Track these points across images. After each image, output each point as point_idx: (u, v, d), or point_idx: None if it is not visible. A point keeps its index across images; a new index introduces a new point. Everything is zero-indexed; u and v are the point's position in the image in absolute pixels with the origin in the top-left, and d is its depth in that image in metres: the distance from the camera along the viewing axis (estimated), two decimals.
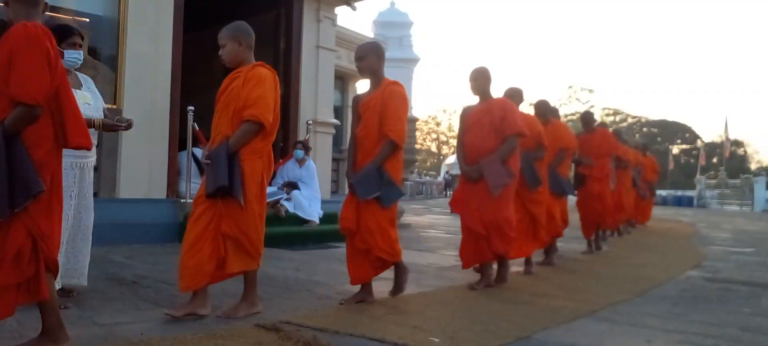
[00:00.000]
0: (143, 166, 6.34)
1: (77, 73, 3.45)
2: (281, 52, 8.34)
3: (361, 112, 3.78)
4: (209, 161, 3.10)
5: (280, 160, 7.92)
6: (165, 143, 6.52)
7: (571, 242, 7.66)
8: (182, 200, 6.53)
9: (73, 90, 2.53)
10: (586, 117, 7.88)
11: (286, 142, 8.18)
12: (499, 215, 4.31)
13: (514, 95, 5.82)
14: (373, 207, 3.59)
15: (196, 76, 9.11)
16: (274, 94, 3.17)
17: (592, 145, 7.13)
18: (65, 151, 2.50)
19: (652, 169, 12.06)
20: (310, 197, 7.40)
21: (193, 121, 6.63)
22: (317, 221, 7.28)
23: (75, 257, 3.34)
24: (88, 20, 6.42)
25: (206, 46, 10.14)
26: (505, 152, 4.35)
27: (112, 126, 3.42)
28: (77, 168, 3.27)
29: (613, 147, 7.49)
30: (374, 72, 3.78)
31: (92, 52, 6.51)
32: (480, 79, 4.53)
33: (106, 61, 6.44)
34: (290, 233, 6.78)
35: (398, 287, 3.86)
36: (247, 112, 3.07)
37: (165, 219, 6.05)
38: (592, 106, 45.16)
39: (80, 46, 3.35)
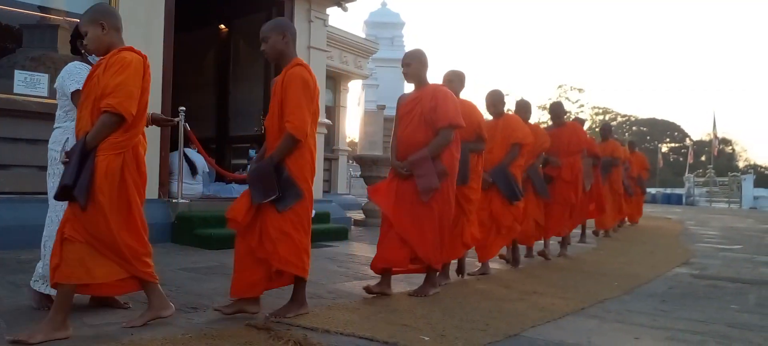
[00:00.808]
0: None
1: None
2: None
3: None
4: (67, 160, 2.77)
5: None
6: (156, 144, 6.50)
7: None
8: (174, 201, 6.53)
9: None
10: (555, 108, 6.98)
11: None
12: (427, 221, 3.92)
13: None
14: (273, 209, 3.13)
15: (188, 77, 9.10)
16: (138, 82, 2.82)
17: (562, 141, 6.43)
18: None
19: (642, 167, 11.99)
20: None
21: (185, 122, 6.63)
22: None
23: None
24: (79, 21, 6.38)
25: (197, 46, 10.21)
26: (436, 147, 3.88)
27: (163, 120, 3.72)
28: None
29: (583, 143, 6.70)
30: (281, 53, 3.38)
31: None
32: (414, 64, 4.07)
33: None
34: None
35: (288, 308, 3.28)
36: (105, 102, 2.72)
37: (157, 219, 6.05)
38: (582, 106, 45.40)
39: None
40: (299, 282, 3.31)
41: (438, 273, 4.21)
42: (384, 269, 4.00)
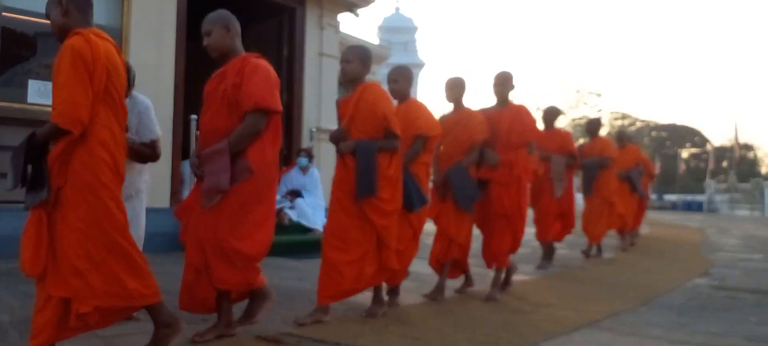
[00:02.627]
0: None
1: None
2: (284, 59, 8.35)
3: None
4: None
5: (284, 168, 7.93)
6: (168, 152, 6.54)
7: (575, 248, 7.64)
8: None
9: None
10: (500, 80, 4.71)
11: (289, 150, 8.18)
12: (219, 234, 2.82)
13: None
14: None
15: (200, 85, 9.13)
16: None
17: (501, 129, 4.56)
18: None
19: (631, 164, 8.96)
20: (314, 205, 7.40)
21: (196, 130, 6.65)
22: (321, 229, 7.26)
23: None
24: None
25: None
26: (238, 138, 2.82)
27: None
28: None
29: (529, 132, 4.64)
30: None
31: None
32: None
33: None
34: (293, 241, 6.78)
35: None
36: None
37: (168, 228, 6.06)
38: (600, 111, 44.97)
39: None
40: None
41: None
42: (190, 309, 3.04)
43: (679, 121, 55.64)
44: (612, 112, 48.34)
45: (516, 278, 5.48)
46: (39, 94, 5.69)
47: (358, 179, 3.42)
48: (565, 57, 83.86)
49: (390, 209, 3.51)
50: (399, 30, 27.78)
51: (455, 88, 4.48)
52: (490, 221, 4.56)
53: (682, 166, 41.71)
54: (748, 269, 6.81)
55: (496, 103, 4.73)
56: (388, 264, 3.58)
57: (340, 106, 3.69)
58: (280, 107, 2.93)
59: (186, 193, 6.71)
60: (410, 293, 4.31)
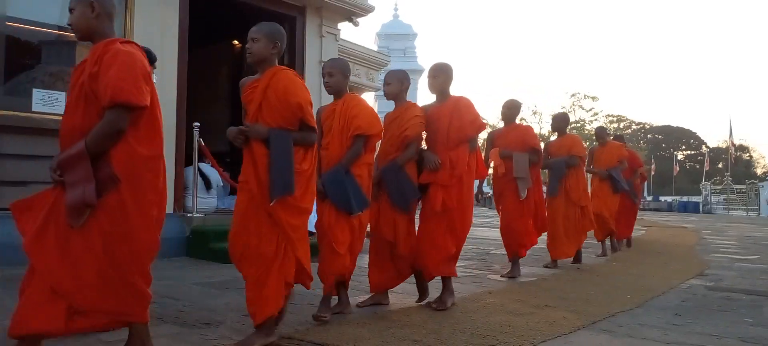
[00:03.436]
0: None
1: None
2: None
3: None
4: None
5: None
6: (171, 159, 6.61)
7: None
8: (189, 215, 6.61)
9: None
10: (436, 72, 4.32)
11: None
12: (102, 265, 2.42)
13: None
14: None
15: (202, 92, 9.22)
16: None
17: (441, 124, 4.15)
18: None
19: (613, 162, 8.13)
20: (314, 209, 7.46)
21: (199, 137, 6.73)
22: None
23: None
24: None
25: (211, 61, 10.34)
26: (96, 138, 2.36)
27: None
28: None
29: (469, 127, 4.16)
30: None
31: None
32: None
33: None
34: None
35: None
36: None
37: (172, 234, 6.13)
38: (596, 114, 45.07)
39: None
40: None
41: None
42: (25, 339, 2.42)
43: (675, 123, 55.78)
44: (607, 116, 48.51)
45: (513, 280, 5.57)
46: (43, 102, 5.76)
47: (272, 174, 2.93)
48: (561, 61, 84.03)
49: (302, 207, 3.09)
50: (398, 37, 27.87)
51: (395, 82, 4.14)
52: (428, 222, 4.11)
53: (677, 168, 41.81)
54: (743, 270, 6.89)
55: (436, 99, 4.34)
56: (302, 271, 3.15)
57: (246, 91, 3.16)
58: (144, 101, 2.41)
59: (189, 199, 6.78)
60: (410, 296, 4.38)
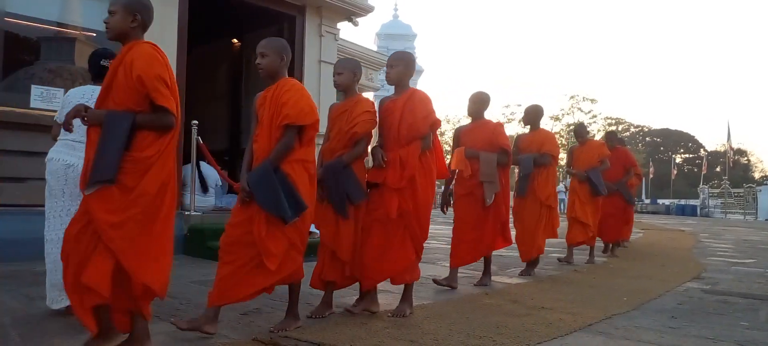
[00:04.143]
0: None
1: None
2: None
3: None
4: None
5: None
6: None
7: (576, 253, 7.70)
8: (187, 213, 6.61)
9: None
10: (395, 61, 3.98)
11: None
12: None
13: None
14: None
15: (200, 90, 9.23)
16: None
17: (392, 120, 3.85)
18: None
19: (593, 162, 7.32)
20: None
21: (198, 135, 6.73)
22: (318, 232, 7.34)
23: None
24: (94, 35, 6.55)
25: (210, 60, 10.34)
26: None
27: None
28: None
29: (422, 123, 3.78)
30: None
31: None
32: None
33: None
34: None
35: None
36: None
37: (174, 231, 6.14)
38: (594, 117, 45.11)
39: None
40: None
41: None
42: None
43: (673, 126, 55.90)
44: (606, 118, 48.58)
45: (509, 281, 5.58)
46: (41, 99, 5.75)
47: (94, 159, 2.56)
48: (560, 62, 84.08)
49: (126, 204, 2.54)
50: (397, 37, 27.93)
51: (346, 72, 3.79)
52: (385, 230, 3.76)
53: (675, 171, 41.90)
54: (740, 274, 6.90)
55: (394, 91, 4.02)
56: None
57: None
58: None
59: (188, 197, 6.77)
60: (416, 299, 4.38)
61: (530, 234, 5.95)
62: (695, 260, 8.35)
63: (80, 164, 3.20)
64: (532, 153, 6.02)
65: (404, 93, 3.89)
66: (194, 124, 6.64)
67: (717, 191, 32.31)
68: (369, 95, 19.43)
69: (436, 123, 3.88)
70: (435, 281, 5.04)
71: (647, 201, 36.39)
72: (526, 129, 6.47)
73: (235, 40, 9.96)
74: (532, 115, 6.26)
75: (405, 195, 3.74)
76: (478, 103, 5.22)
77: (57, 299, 3.34)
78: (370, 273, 3.79)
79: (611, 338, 3.52)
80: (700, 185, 33.62)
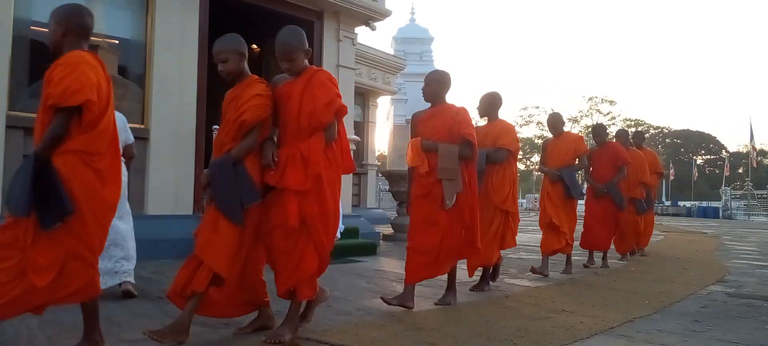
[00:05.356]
0: (170, 184, 6.54)
1: None
2: None
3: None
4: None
5: None
6: (191, 161, 6.72)
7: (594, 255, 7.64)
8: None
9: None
10: (280, 41, 3.30)
11: None
12: None
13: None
14: None
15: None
16: None
17: (291, 107, 3.23)
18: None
19: (568, 159, 6.33)
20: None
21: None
22: (338, 236, 7.36)
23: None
24: (117, 42, 6.67)
25: None
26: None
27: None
28: None
29: (321, 111, 3.18)
30: None
31: (122, 71, 6.79)
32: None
33: (135, 81, 6.68)
34: None
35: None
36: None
37: (191, 235, 6.20)
38: (613, 118, 44.67)
39: None
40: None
41: None
42: None
43: (694, 127, 55.12)
44: (625, 120, 48.11)
45: (529, 284, 5.56)
46: None
47: None
48: (579, 64, 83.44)
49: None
50: (414, 40, 27.84)
51: (233, 56, 3.24)
52: (282, 241, 3.15)
53: (696, 173, 41.35)
54: (765, 277, 6.79)
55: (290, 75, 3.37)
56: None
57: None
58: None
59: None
60: (425, 299, 4.40)
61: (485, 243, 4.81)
62: (718, 262, 8.24)
63: None
64: (486, 147, 5.04)
65: (303, 74, 3.28)
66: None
67: (739, 192, 31.80)
68: (386, 99, 19.30)
69: (342, 109, 3.26)
70: (384, 299, 4.15)
71: (668, 203, 35.96)
72: (483, 121, 5.40)
73: (254, 46, 10.05)
74: (488, 104, 5.29)
75: (309, 199, 3.12)
76: (432, 83, 4.37)
77: None
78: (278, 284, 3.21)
79: (633, 342, 3.49)
80: (722, 187, 33.12)
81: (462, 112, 4.29)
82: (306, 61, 3.35)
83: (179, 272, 3.02)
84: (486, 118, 5.33)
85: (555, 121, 6.58)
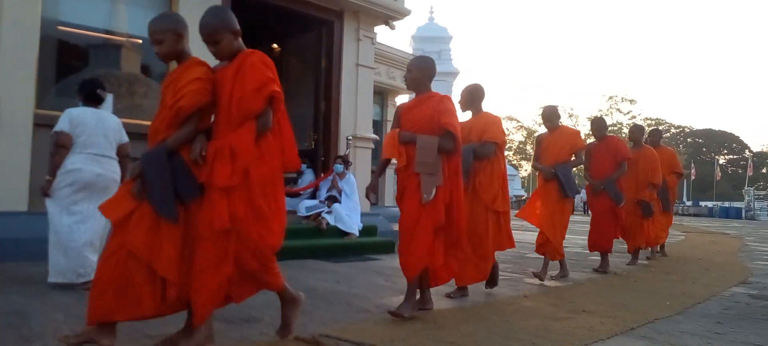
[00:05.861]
0: None
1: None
2: (322, 70, 8.65)
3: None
4: None
5: (322, 175, 8.16)
6: None
7: (613, 255, 7.59)
8: None
9: None
10: (205, 22, 3.00)
11: (327, 157, 8.41)
12: None
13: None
14: None
15: None
16: None
17: (223, 95, 2.93)
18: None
19: (563, 155, 5.93)
20: (350, 209, 7.60)
21: None
22: (357, 234, 7.47)
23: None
24: (140, 42, 6.78)
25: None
26: None
27: None
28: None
29: (251, 98, 2.84)
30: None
31: (145, 70, 6.90)
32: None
33: (158, 80, 6.78)
34: (330, 245, 6.99)
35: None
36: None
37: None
38: (634, 117, 44.19)
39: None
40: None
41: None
42: None
43: (716, 126, 54.32)
44: (646, 119, 47.57)
45: (549, 283, 5.53)
46: None
47: None
48: (599, 63, 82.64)
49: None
50: (433, 39, 27.80)
51: (169, 36, 2.97)
52: (207, 244, 2.74)
53: (719, 173, 40.77)
54: None
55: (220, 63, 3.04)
56: None
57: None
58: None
59: None
60: (443, 298, 4.40)
61: (466, 254, 4.49)
62: (741, 264, 8.13)
63: (105, 174, 4.35)
64: (472, 142, 4.69)
65: (237, 58, 2.93)
66: None
67: (763, 192, 31.30)
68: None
69: (276, 95, 2.88)
70: (391, 312, 3.79)
71: (689, 203, 35.47)
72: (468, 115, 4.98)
73: (275, 46, 10.14)
74: (470, 97, 4.89)
75: (235, 197, 2.76)
76: (415, 70, 4.08)
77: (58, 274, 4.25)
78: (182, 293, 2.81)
79: (654, 343, 3.47)
80: (746, 187, 32.60)
81: (444, 101, 3.99)
82: (239, 44, 2.98)
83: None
84: (470, 112, 4.94)
85: (550, 115, 6.07)
